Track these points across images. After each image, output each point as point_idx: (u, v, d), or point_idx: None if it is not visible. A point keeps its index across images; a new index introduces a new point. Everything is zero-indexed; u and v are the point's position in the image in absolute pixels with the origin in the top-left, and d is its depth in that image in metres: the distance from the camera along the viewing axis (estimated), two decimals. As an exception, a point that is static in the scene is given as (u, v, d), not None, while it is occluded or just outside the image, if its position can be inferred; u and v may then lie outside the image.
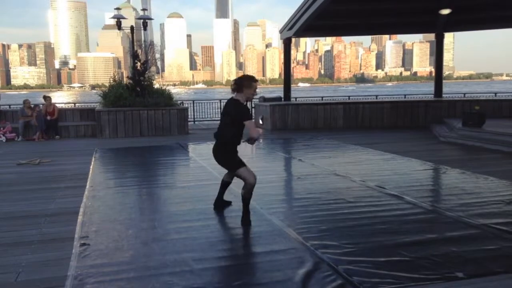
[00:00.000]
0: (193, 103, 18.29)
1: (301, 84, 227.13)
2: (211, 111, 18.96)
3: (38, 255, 4.18)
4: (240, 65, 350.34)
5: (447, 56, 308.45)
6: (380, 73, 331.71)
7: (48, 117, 13.65)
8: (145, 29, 15.78)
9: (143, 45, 16.39)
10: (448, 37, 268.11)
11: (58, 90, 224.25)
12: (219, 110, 18.43)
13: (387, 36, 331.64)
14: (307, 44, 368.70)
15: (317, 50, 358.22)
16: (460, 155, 9.83)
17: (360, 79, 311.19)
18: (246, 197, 4.92)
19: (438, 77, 17.91)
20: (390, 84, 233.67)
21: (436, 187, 7.07)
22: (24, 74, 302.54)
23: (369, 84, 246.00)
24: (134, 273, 3.73)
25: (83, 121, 14.83)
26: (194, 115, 17.73)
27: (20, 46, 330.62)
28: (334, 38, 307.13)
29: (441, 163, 8.42)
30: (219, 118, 18.15)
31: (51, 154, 10.46)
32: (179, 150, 10.84)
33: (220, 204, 5.53)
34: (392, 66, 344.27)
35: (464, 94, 23.06)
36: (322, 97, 20.18)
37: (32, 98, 22.45)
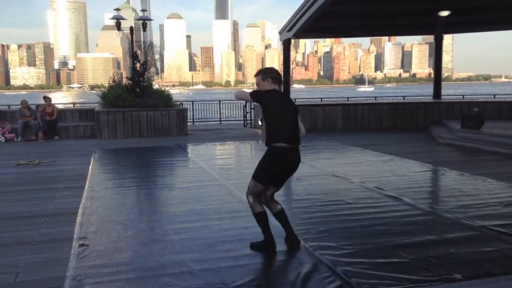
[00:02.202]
0: (193, 104, 18.30)
1: (296, 86, 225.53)
2: (210, 112, 18.95)
3: (37, 255, 4.18)
4: (239, 66, 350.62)
5: (446, 58, 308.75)
6: (379, 75, 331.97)
7: (47, 118, 13.65)
8: (144, 29, 15.79)
9: (142, 46, 16.43)
10: (447, 38, 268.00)
11: (57, 91, 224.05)
12: (218, 111, 18.44)
13: (386, 38, 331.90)
14: (306, 45, 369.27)
15: (316, 52, 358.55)
16: (458, 157, 9.84)
17: (359, 80, 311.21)
18: None
19: (437, 78, 17.94)
20: (389, 85, 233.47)
21: (435, 188, 7.08)
22: (24, 75, 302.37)
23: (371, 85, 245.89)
24: (133, 274, 3.73)
25: (82, 121, 14.83)
26: (193, 116, 17.73)
27: (19, 46, 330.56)
28: (333, 39, 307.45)
29: (439, 164, 8.44)
30: (218, 119, 18.32)
31: (50, 154, 10.46)
32: (178, 151, 10.84)
33: (289, 239, 4.35)
34: (391, 67, 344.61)
35: (463, 95, 23.10)
36: (321, 98, 20.21)
37: (31, 98, 22.45)
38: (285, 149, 4.00)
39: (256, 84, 4.21)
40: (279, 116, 4.02)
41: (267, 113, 4.05)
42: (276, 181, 4.17)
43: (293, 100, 4.28)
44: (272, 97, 4.05)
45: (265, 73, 4.17)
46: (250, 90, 4.17)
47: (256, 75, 4.24)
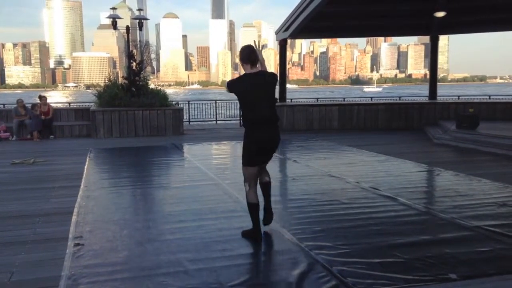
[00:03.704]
0: (189, 103, 18.27)
1: (288, 86, 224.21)
2: (206, 112, 18.92)
3: (32, 255, 4.16)
4: (235, 66, 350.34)
5: (441, 59, 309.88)
6: (375, 75, 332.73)
7: (43, 117, 13.60)
8: (140, 29, 15.78)
9: (138, 45, 16.39)
10: (443, 39, 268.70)
11: (53, 90, 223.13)
12: (214, 111, 18.41)
13: (382, 38, 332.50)
14: (302, 45, 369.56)
15: (312, 52, 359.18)
16: (453, 157, 9.88)
17: (355, 81, 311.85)
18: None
19: (433, 79, 17.98)
20: (385, 86, 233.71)
21: (430, 188, 7.10)
22: (19, 73, 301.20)
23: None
24: (128, 273, 3.73)
25: (77, 121, 14.79)
26: (189, 116, 17.71)
27: (14, 45, 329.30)
28: (329, 39, 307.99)
29: (435, 165, 8.46)
30: (214, 119, 18.30)
31: (45, 153, 10.42)
32: (174, 151, 10.83)
33: (266, 210, 4.76)
34: (387, 68, 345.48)
35: (458, 96, 23.16)
36: (317, 98, 20.21)
37: (26, 97, 22.36)
38: (258, 129, 4.30)
39: None
40: (249, 100, 4.32)
41: (239, 99, 4.40)
42: (261, 158, 4.49)
43: (272, 78, 4.29)
44: (241, 85, 4.35)
45: (240, 53, 4.42)
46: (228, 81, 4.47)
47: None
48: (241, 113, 16.80)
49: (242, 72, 4.45)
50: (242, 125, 4.47)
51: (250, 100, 4.30)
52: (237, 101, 4.47)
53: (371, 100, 19.48)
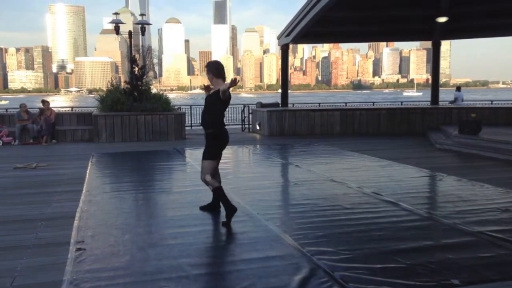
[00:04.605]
0: (191, 108, 18.31)
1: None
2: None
3: (33, 259, 4.16)
4: (237, 71, 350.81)
5: (443, 64, 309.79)
6: (377, 80, 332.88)
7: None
8: (143, 34, 15.80)
9: (141, 50, 16.44)
10: (445, 44, 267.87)
11: (55, 94, 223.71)
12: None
13: (384, 43, 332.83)
14: (304, 50, 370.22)
15: (314, 57, 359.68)
16: (456, 162, 9.86)
17: (357, 85, 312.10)
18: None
19: (435, 84, 18.01)
20: (387, 91, 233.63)
21: (432, 194, 7.09)
22: (22, 78, 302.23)
23: (367, 91, 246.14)
24: (130, 278, 3.72)
25: (80, 125, 14.82)
26: (191, 120, 17.74)
27: (17, 50, 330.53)
28: (331, 44, 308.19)
29: (437, 170, 8.45)
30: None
31: (47, 158, 10.44)
32: (176, 155, 10.84)
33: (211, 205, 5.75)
34: (389, 73, 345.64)
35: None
36: (319, 103, 20.22)
37: (29, 102, 22.45)
38: (224, 130, 5.31)
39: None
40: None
41: (224, 108, 5.25)
42: (220, 154, 5.34)
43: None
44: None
45: (217, 68, 5.29)
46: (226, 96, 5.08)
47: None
48: (243, 117, 16.94)
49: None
50: (218, 128, 5.20)
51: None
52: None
53: (373, 105, 19.48)
